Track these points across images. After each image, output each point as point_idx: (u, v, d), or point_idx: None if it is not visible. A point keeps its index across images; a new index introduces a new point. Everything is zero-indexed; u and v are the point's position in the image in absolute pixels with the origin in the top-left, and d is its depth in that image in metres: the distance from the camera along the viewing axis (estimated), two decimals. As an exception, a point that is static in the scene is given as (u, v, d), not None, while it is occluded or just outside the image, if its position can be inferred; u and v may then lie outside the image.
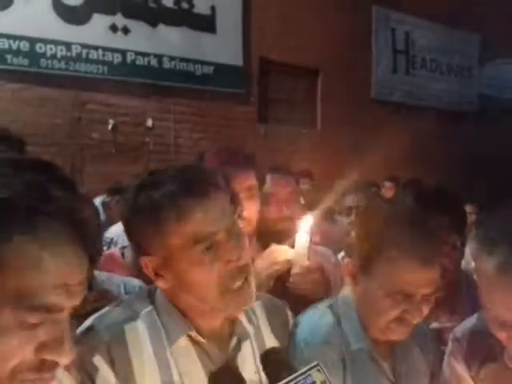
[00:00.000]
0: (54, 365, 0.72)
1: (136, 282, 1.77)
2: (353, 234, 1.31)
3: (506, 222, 1.04)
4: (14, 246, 0.66)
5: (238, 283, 1.02)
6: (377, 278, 1.19)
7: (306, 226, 1.62)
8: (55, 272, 0.69)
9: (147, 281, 1.72)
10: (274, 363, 0.93)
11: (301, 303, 1.41)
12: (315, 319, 1.28)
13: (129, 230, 1.08)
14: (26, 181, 0.69)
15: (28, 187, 0.68)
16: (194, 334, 1.06)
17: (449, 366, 1.28)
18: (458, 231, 1.59)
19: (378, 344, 1.25)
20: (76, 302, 0.73)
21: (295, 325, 1.27)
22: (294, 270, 1.61)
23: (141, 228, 1.03)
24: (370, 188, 3.01)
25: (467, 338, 1.26)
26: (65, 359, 0.72)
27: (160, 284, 1.06)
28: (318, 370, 0.84)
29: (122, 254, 2.13)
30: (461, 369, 1.24)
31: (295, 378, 0.83)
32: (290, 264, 1.64)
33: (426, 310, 1.17)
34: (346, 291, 1.33)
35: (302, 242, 1.61)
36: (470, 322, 1.29)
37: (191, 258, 0.99)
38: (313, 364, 0.85)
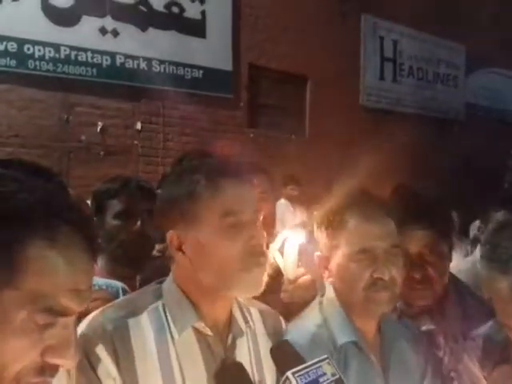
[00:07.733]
0: (56, 368, 0.72)
1: (118, 284, 1.76)
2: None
3: None
4: (33, 250, 0.67)
5: (257, 262, 1.05)
6: (339, 250, 1.26)
7: (296, 237, 1.62)
8: (70, 277, 0.70)
9: (126, 284, 1.73)
10: (285, 355, 0.94)
11: (292, 310, 1.42)
12: (303, 321, 1.31)
13: (161, 206, 1.13)
14: (42, 187, 0.71)
15: (46, 194, 0.70)
16: (202, 325, 1.06)
17: (462, 364, 1.31)
18: (446, 239, 1.60)
19: (367, 336, 1.27)
20: (84, 306, 0.74)
21: (286, 330, 1.28)
22: (286, 283, 1.61)
23: (174, 202, 1.09)
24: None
25: (483, 339, 1.31)
26: (69, 363, 0.73)
27: (179, 258, 1.09)
28: (328, 363, 0.87)
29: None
30: (475, 368, 1.27)
31: (306, 367, 0.85)
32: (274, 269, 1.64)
33: (393, 269, 1.22)
34: (330, 288, 1.35)
35: (292, 253, 1.62)
36: (486, 326, 1.32)
37: (218, 231, 1.04)
38: (323, 357, 0.88)
